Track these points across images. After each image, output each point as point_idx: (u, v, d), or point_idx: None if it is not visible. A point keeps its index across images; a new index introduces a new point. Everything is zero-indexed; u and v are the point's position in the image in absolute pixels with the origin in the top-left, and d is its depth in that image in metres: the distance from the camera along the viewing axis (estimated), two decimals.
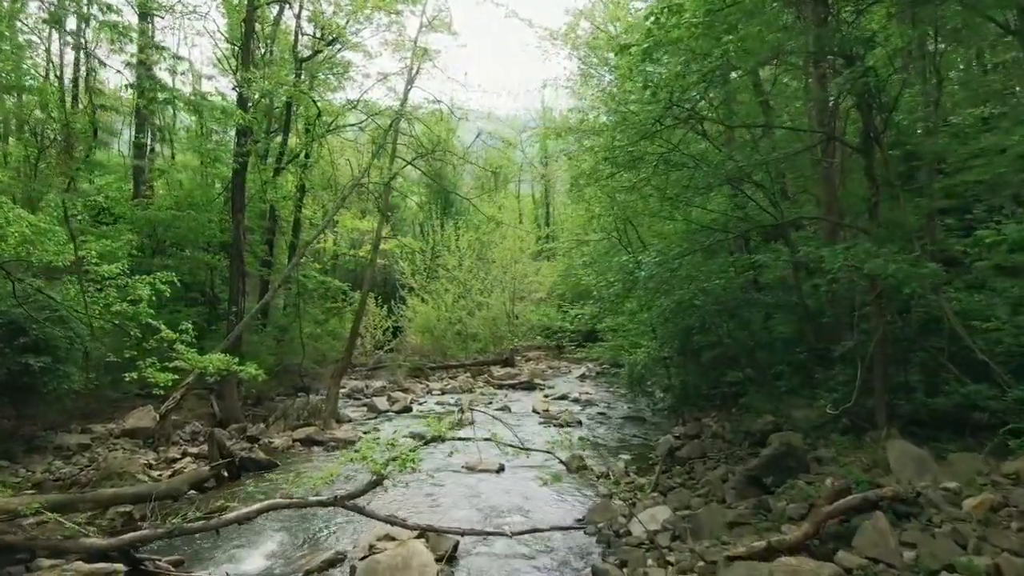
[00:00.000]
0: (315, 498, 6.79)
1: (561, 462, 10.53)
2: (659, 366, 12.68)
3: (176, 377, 9.45)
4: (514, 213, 34.21)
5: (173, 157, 23.34)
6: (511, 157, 30.99)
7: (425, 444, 8.51)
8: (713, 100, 9.17)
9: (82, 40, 18.14)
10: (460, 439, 9.07)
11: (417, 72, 17.31)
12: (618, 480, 10.29)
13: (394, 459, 7.36)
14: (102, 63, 18.74)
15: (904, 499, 6.22)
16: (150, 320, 9.02)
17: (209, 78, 32.64)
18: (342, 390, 21.45)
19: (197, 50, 44.06)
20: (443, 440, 8.55)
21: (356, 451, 7.03)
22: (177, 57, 15.08)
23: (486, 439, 8.26)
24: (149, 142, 21.16)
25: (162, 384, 9.36)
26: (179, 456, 11.84)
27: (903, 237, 8.14)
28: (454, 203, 31.73)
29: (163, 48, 15.26)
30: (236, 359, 15.00)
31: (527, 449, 8.61)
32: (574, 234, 26.05)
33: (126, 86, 13.73)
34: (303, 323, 23.88)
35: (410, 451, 7.51)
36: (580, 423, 14.75)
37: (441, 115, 19.98)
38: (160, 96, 14.61)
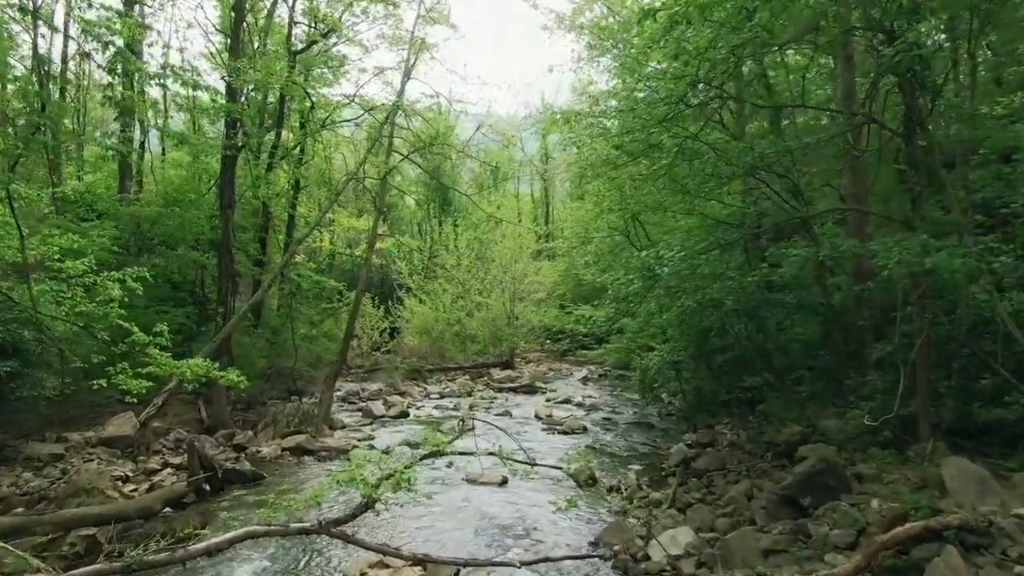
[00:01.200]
0: (297, 525, 5.88)
1: (569, 475, 9.64)
2: (672, 370, 11.79)
3: (151, 384, 8.52)
4: (513, 212, 33.29)
5: (163, 152, 22.41)
6: (511, 155, 30.09)
7: (422, 460, 7.58)
8: (744, 78, 8.29)
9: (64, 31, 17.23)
10: (461, 453, 8.16)
11: (414, 64, 16.44)
12: (631, 495, 9.40)
13: (388, 478, 6.46)
14: (87, 55, 17.82)
15: (973, 528, 5.34)
16: (121, 322, 8.10)
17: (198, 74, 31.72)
18: (337, 393, 20.51)
19: (189, 44, 43.01)
20: (443, 455, 7.63)
21: (344, 471, 6.11)
22: (143, 26, 13.98)
23: (490, 453, 7.34)
24: (139, 136, 20.30)
25: (135, 392, 8.47)
26: (159, 467, 10.91)
27: (950, 230, 7.25)
28: (452, 201, 30.86)
29: (147, 27, 14.26)
30: (218, 364, 14.21)
31: (535, 464, 7.70)
32: (576, 232, 25.20)
33: (109, 70, 12.73)
34: (297, 324, 22.99)
35: (405, 468, 6.61)
36: (585, 429, 13.86)
37: (439, 110, 19.12)
38: (140, 70, 13.51)
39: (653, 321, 9.04)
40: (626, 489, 9.63)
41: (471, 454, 8.05)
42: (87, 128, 22.39)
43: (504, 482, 9.74)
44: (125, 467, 10.79)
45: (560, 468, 8.33)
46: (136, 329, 8.22)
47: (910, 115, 7.49)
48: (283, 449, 11.80)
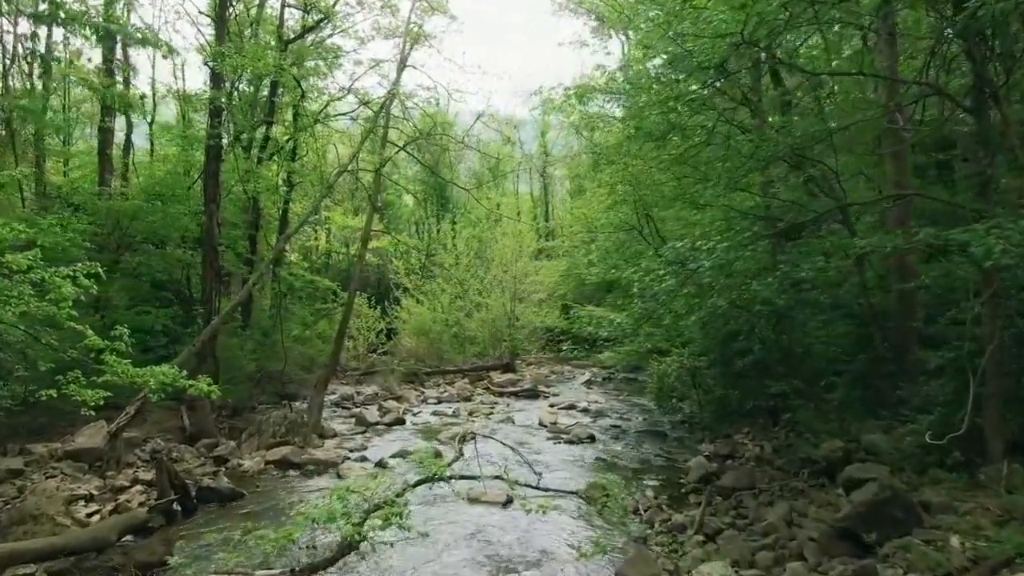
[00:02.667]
0: (264, 573, 4.74)
1: (581, 497, 8.52)
2: (691, 376, 10.68)
3: (108, 395, 7.38)
4: (513, 211, 32.12)
5: (152, 147, 21.24)
6: (511, 152, 28.94)
7: (416, 487, 6.45)
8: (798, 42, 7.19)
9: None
10: (463, 477, 7.02)
11: (410, 51, 15.30)
12: (651, 517, 8.28)
13: (376, 509, 5.32)
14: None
15: None
16: (73, 324, 6.96)
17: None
18: (331, 396, 19.36)
19: (179, 37, 41.63)
20: (441, 479, 6.49)
21: (321, 505, 4.97)
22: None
23: (496, 477, 6.22)
24: (124, 128, 19.15)
25: (91, 403, 7.33)
26: (128, 483, 9.73)
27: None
28: (451, 200, 29.74)
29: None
30: (201, 368, 13.05)
31: (547, 490, 6.57)
32: (578, 231, 24.07)
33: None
34: (290, 325, 21.80)
35: (396, 496, 5.47)
36: (593, 438, 12.73)
37: (437, 103, 17.97)
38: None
39: (680, 324, 7.92)
40: (645, 510, 8.51)
41: (474, 478, 6.93)
42: (77, 122, 21.34)
43: (508, 502, 8.55)
44: (90, 484, 9.62)
45: (575, 493, 7.16)
46: (91, 332, 7.07)
47: (980, 87, 6.38)
48: (267, 462, 10.65)
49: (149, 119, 21.27)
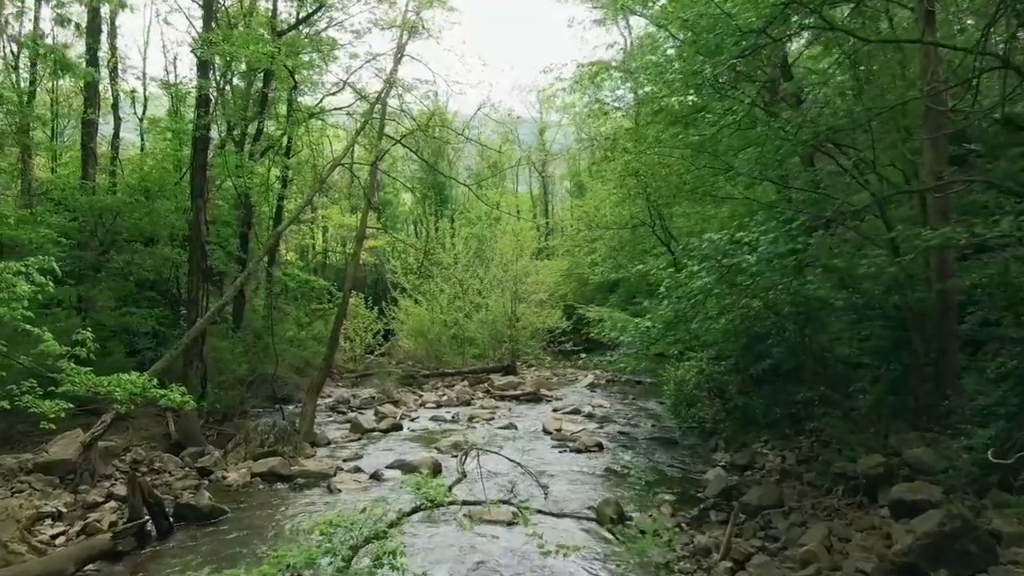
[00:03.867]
0: None
1: (593, 519, 7.69)
2: (709, 383, 9.85)
3: (68, 407, 6.53)
4: (512, 210, 31.23)
5: (143, 142, 20.40)
6: (510, 152, 28.11)
7: (411, 515, 5.61)
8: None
9: None
10: (466, 503, 6.18)
11: (408, 40, 14.45)
12: (671, 538, 7.44)
13: (365, 543, 4.48)
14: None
15: None
16: (27, 326, 6.11)
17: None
18: (326, 400, 18.51)
19: (171, 29, 40.52)
20: (440, 506, 5.65)
21: (296, 548, 4.11)
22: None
23: (503, 502, 5.38)
24: (111, 124, 18.30)
25: (51, 414, 6.49)
26: (102, 499, 8.87)
27: None
28: (449, 199, 28.90)
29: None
30: (189, 371, 12.20)
31: (562, 515, 5.74)
32: (579, 230, 23.25)
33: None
34: (284, 326, 20.96)
35: (388, 527, 4.63)
36: (601, 447, 11.90)
37: (435, 95, 17.17)
38: None
39: (708, 327, 7.07)
40: (664, 530, 7.65)
41: (478, 503, 6.09)
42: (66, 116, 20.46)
43: (513, 522, 7.70)
44: (60, 500, 8.76)
45: (591, 518, 6.33)
46: (49, 336, 6.22)
47: None
48: (253, 474, 9.79)
49: (139, 114, 20.55)
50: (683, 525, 7.86)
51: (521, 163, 29.52)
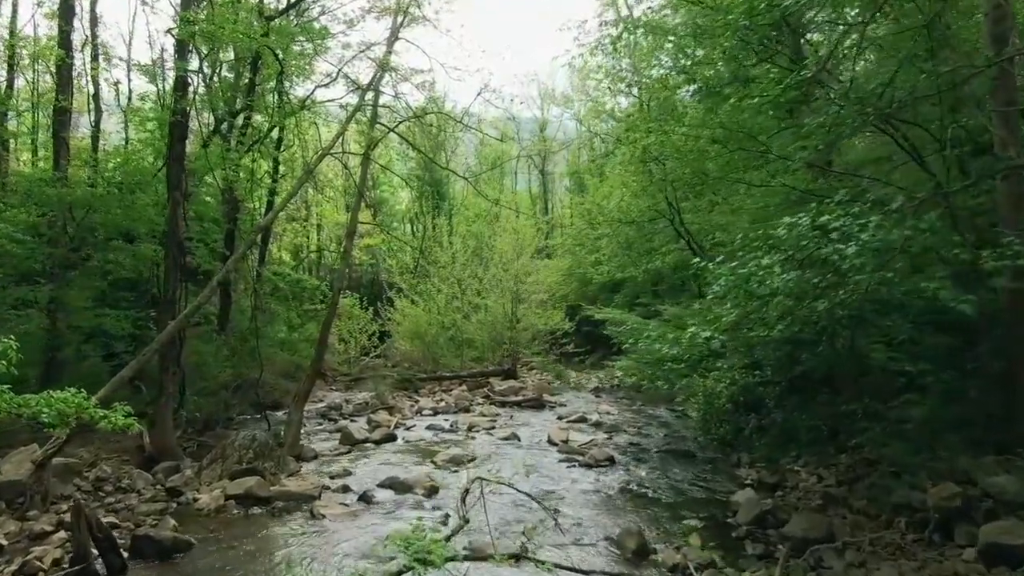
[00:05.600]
0: None
1: (614, 549, 6.52)
2: (747, 395, 8.66)
3: None
4: (512, 207, 30.01)
5: (126, 128, 19.09)
6: (510, 147, 26.93)
7: None
8: None
9: None
10: (468, 558, 4.99)
11: (403, 23, 13.23)
12: None
13: None
14: None
15: None
16: None
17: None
18: (318, 405, 17.32)
19: (157, 19, 39.11)
20: (436, 566, 4.44)
21: None
22: None
23: (514, 556, 4.20)
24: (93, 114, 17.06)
25: None
26: (52, 527, 7.65)
27: None
28: (447, 196, 27.69)
29: None
30: (171, 375, 11.04)
31: (587, 573, 4.56)
32: (582, 227, 22.05)
33: None
34: (275, 328, 19.79)
35: None
36: (613, 461, 10.75)
37: (432, 84, 15.92)
38: None
39: (766, 335, 5.88)
40: (697, 569, 6.50)
41: (486, 559, 4.90)
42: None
43: (521, 556, 6.51)
44: (5, 529, 7.55)
45: (616, 575, 5.14)
46: None
47: None
48: (227, 497, 8.57)
49: (123, 105, 19.29)
50: (717, 561, 6.69)
51: (520, 158, 28.28)
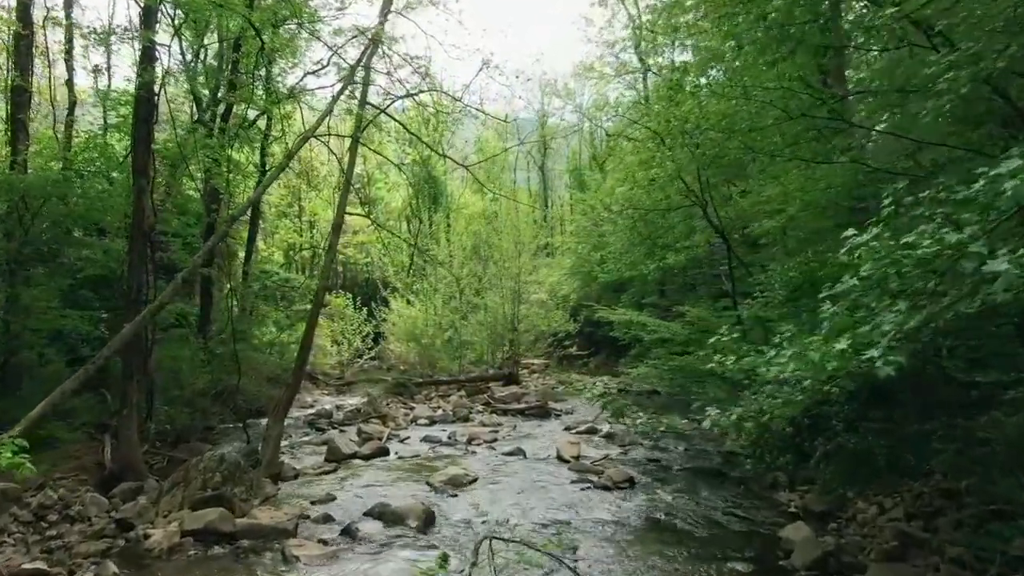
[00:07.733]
0: None
1: None
2: (811, 417, 7.18)
3: None
4: (511, 206, 28.57)
5: (104, 112, 17.56)
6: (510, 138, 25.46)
7: None
8: None
9: None
10: None
11: None
12: None
13: None
14: None
15: None
16: None
17: None
18: (306, 411, 15.88)
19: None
20: None
21: None
22: None
23: None
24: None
25: None
26: None
27: None
28: (444, 192, 26.19)
29: None
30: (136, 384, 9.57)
31: None
32: (585, 225, 20.61)
33: None
34: (263, 330, 18.35)
35: None
36: (632, 482, 9.31)
37: (428, 68, 14.49)
38: None
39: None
40: None
41: None
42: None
43: None
44: None
45: None
46: None
47: None
48: (184, 532, 7.06)
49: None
50: None
51: (520, 156, 26.88)
